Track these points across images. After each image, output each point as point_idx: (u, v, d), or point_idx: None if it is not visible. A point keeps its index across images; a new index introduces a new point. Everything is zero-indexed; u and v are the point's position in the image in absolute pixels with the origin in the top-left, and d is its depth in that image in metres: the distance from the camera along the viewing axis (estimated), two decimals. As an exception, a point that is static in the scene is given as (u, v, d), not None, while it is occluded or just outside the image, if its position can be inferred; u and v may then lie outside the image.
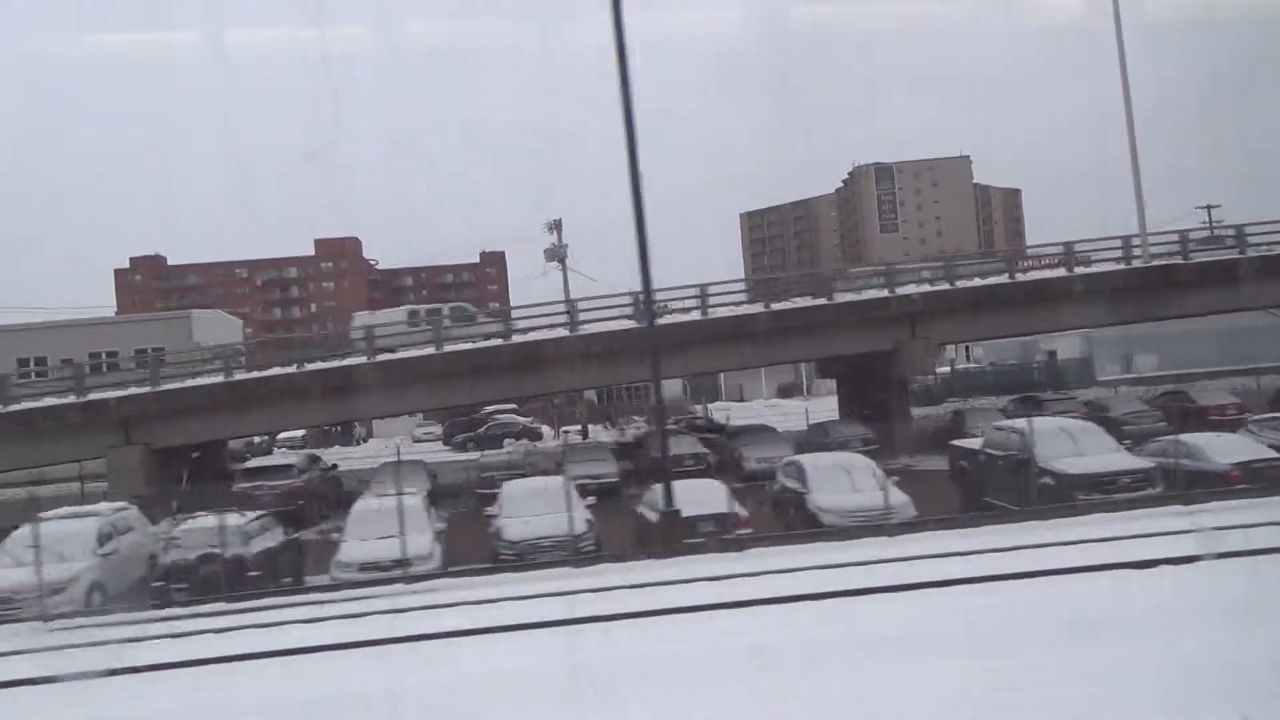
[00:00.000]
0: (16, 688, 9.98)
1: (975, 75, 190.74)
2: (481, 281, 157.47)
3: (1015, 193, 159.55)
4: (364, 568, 15.18)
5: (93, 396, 25.92)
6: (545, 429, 53.26)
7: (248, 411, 26.70)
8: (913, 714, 6.96)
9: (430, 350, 28.10)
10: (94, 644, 11.99)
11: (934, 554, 12.92)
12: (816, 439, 28.01)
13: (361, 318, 38.69)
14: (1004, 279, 28.37)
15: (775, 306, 31.47)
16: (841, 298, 30.44)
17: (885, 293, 28.80)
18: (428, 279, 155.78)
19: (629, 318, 31.27)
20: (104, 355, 47.73)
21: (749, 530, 16.33)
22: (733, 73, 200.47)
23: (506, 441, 48.89)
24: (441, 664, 9.59)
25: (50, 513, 17.84)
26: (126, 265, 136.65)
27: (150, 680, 9.97)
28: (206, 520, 16.08)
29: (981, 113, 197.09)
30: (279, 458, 28.22)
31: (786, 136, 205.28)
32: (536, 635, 10.47)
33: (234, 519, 16.33)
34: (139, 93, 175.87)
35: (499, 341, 29.78)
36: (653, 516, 16.70)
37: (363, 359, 27.09)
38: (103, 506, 19.00)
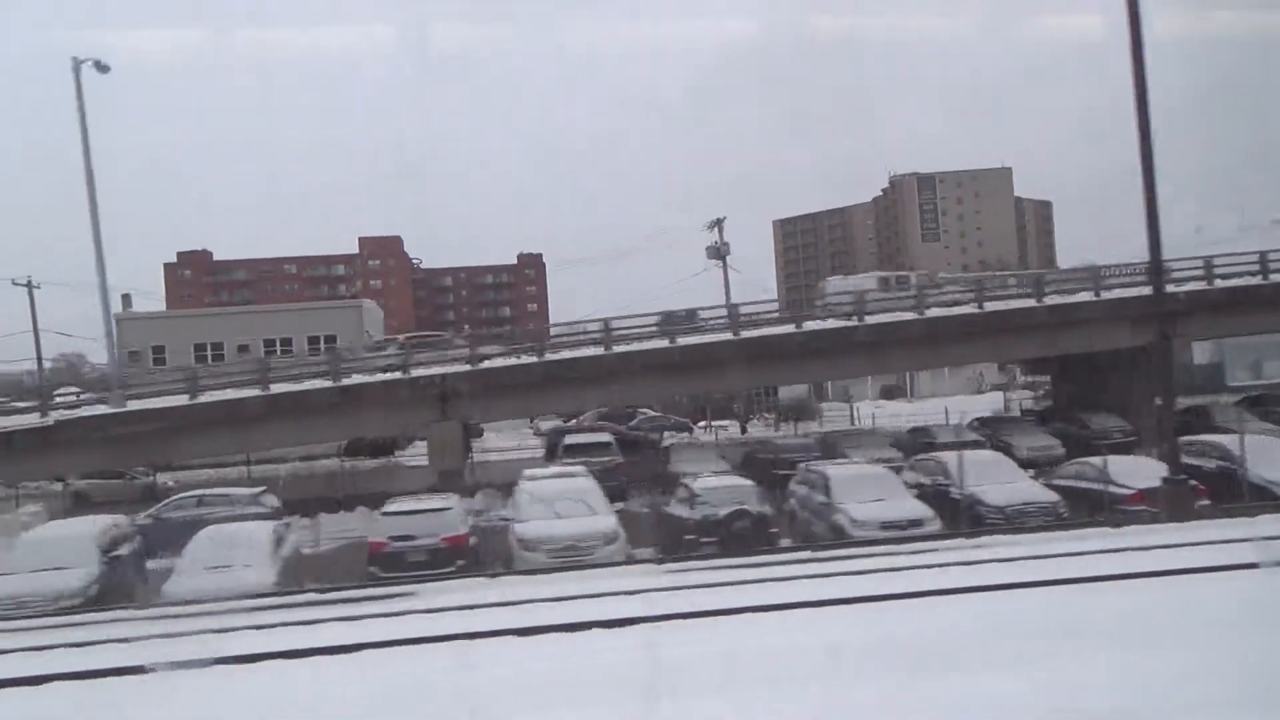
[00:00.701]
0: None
1: (993, 87, 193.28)
2: (520, 283, 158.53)
3: (1046, 204, 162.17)
4: (885, 526, 16.41)
5: (417, 373, 26.96)
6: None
7: (551, 392, 27.80)
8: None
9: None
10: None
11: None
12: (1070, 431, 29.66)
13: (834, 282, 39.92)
14: (1258, 279, 29.89)
15: (989, 307, 32.90)
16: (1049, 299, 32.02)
17: (1145, 291, 30.24)
18: (467, 279, 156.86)
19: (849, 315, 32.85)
20: (278, 341, 48.77)
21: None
22: (760, 81, 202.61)
23: (667, 434, 50.09)
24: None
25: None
26: (174, 260, 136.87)
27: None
28: (728, 479, 17.29)
29: (1002, 124, 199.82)
30: (596, 435, 29.26)
31: (816, 146, 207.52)
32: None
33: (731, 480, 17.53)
34: (170, 92, 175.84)
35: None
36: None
37: (664, 342, 28.22)
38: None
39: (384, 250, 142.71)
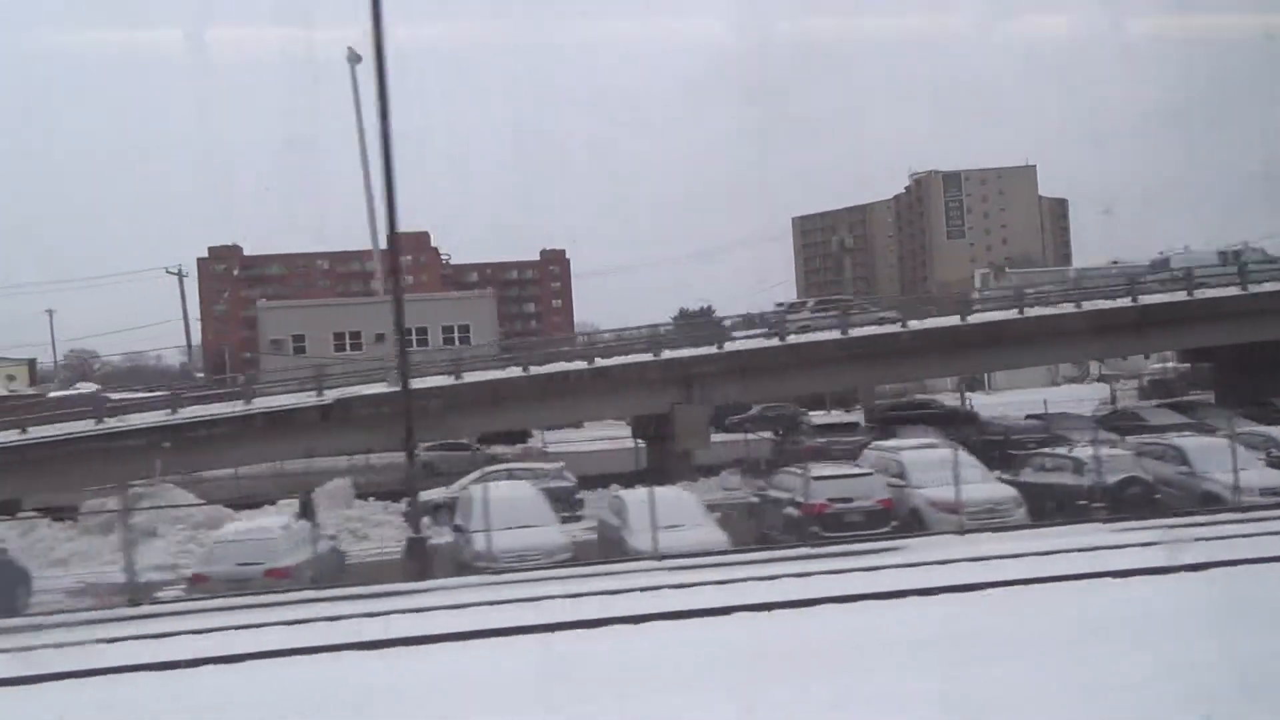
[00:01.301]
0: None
1: (992, 86, 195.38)
2: (545, 279, 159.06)
3: (1062, 202, 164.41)
4: (1263, 492, 17.62)
5: (666, 355, 27.82)
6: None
7: (791, 375, 28.74)
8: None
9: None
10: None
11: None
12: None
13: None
14: None
15: (1142, 300, 34.09)
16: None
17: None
18: (493, 275, 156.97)
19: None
20: (414, 330, 49.29)
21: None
22: (776, 79, 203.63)
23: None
24: None
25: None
26: (205, 254, 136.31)
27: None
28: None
29: (1005, 123, 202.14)
30: (842, 416, 30.28)
31: (831, 143, 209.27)
32: None
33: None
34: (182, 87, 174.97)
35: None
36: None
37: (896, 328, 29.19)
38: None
39: (413, 246, 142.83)
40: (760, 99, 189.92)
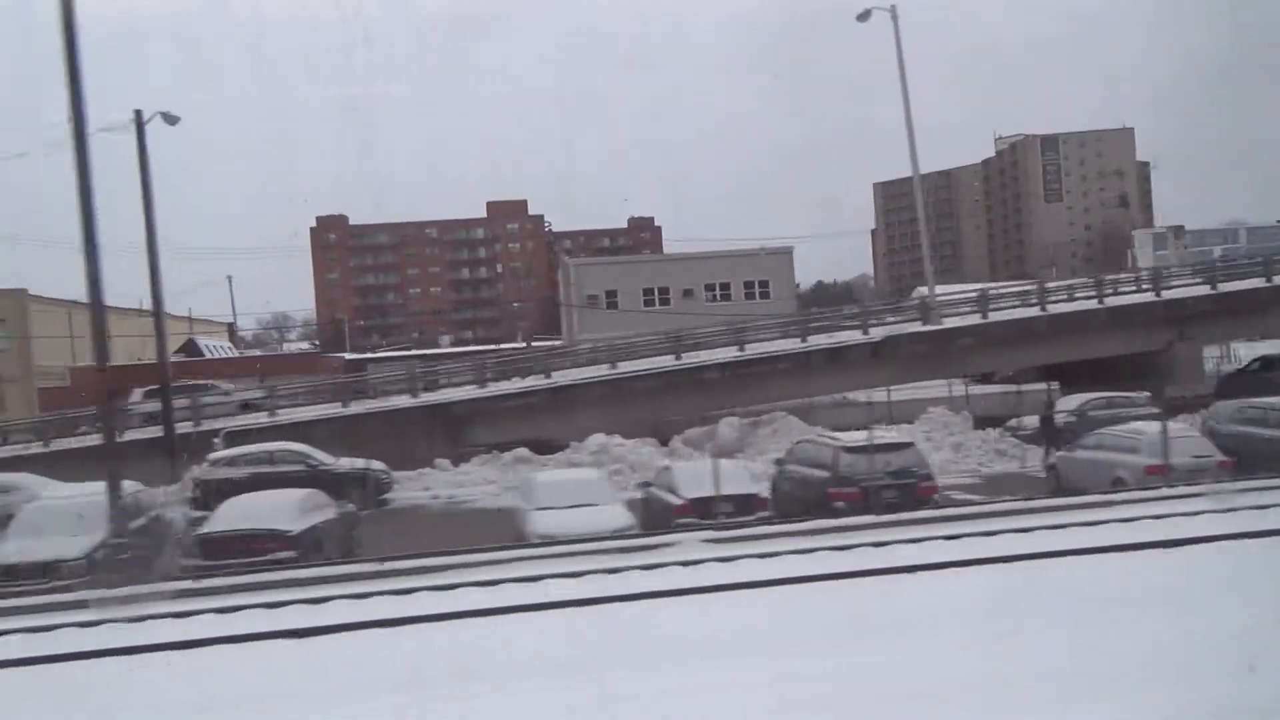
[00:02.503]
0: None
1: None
2: (637, 246, 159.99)
3: (1144, 165, 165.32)
4: None
5: (1165, 295, 29.42)
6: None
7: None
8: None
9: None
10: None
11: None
12: None
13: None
14: None
15: None
16: None
17: None
18: (586, 242, 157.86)
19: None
20: (717, 286, 51.01)
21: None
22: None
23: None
24: None
25: None
26: (314, 224, 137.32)
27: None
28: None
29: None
30: None
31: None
32: None
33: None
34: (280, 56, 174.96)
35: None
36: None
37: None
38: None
39: (513, 214, 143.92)
40: (826, 67, 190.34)
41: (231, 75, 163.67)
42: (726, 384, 27.08)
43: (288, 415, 26.11)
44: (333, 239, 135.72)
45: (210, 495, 20.09)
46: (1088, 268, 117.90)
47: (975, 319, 28.47)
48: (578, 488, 16.03)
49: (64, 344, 48.38)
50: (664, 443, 25.62)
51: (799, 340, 27.90)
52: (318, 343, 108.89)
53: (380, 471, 22.87)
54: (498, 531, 16.60)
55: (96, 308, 16.24)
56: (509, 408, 26.31)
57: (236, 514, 15.11)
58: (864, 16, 29.50)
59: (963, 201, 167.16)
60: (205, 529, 15.01)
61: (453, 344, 79.37)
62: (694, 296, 49.64)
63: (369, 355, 66.55)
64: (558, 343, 57.44)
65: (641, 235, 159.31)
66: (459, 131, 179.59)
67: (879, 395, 29.85)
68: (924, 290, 63.49)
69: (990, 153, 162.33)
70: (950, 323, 28.42)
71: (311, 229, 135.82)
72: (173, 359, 61.87)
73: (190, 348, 64.03)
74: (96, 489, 16.17)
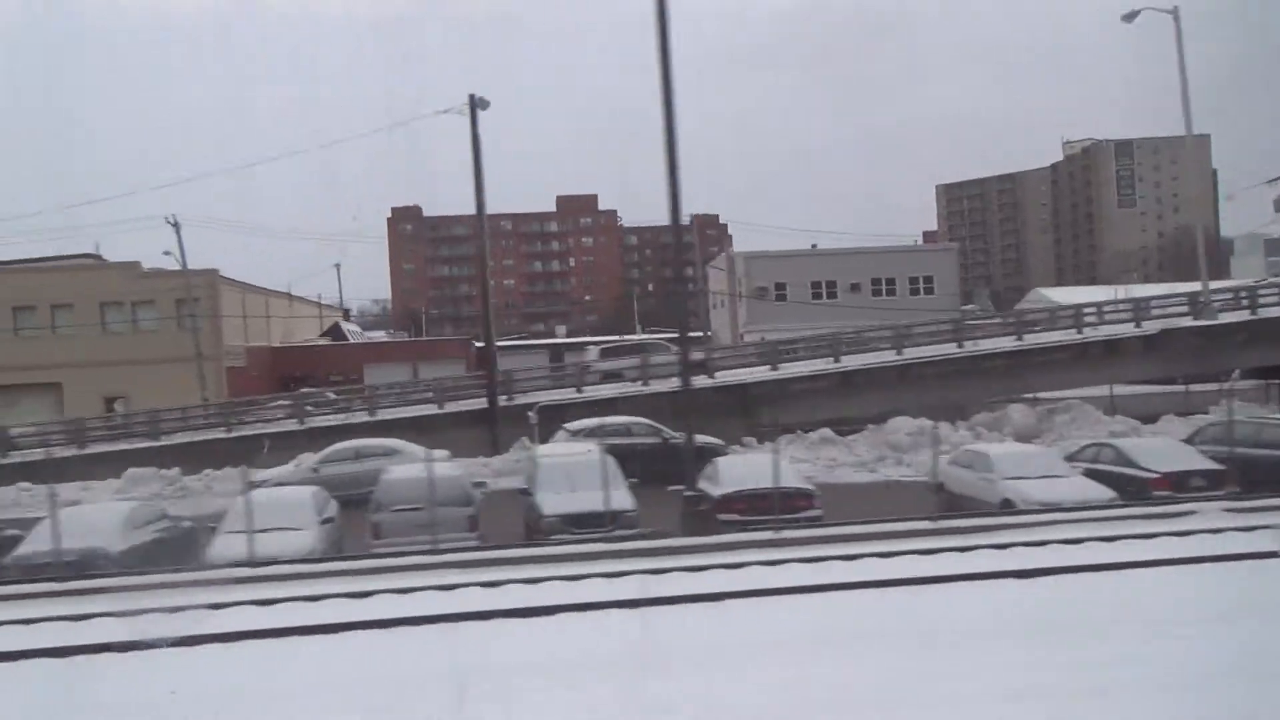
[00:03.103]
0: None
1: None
2: (704, 244, 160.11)
3: (1213, 172, 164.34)
4: None
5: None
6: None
7: None
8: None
9: None
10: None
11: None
12: None
13: None
14: None
15: None
16: None
17: None
18: (652, 238, 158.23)
19: None
20: (883, 281, 51.42)
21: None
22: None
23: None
24: None
25: None
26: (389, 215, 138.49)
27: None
28: None
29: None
30: None
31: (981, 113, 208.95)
32: None
33: None
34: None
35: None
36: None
37: None
38: None
39: (583, 208, 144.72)
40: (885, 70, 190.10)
41: (302, 68, 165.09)
42: (1003, 372, 27.61)
43: (593, 391, 26.81)
44: (409, 230, 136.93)
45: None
46: (1161, 275, 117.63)
47: (1245, 315, 28.86)
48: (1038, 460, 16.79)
49: (238, 324, 49.45)
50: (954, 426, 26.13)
51: (1074, 331, 28.41)
52: (395, 331, 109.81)
53: (721, 446, 23.49)
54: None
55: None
56: (800, 390, 26.93)
57: (739, 475, 15.76)
58: (1130, 17, 29.78)
59: (1029, 205, 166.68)
60: (723, 489, 15.61)
61: (568, 334, 79.92)
62: (860, 291, 50.10)
63: (510, 342, 67.30)
64: (702, 334, 58.08)
65: (708, 233, 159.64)
66: (520, 128, 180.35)
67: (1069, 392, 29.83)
68: (1044, 292, 63.52)
69: (1057, 157, 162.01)
70: (1225, 318, 28.79)
71: (388, 219, 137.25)
72: (320, 342, 62.87)
73: (335, 332, 65.07)
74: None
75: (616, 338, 50.22)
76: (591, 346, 38.66)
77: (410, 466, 16.49)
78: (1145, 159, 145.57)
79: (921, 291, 50.25)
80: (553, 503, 15.21)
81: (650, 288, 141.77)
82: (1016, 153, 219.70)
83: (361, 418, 27.90)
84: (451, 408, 27.28)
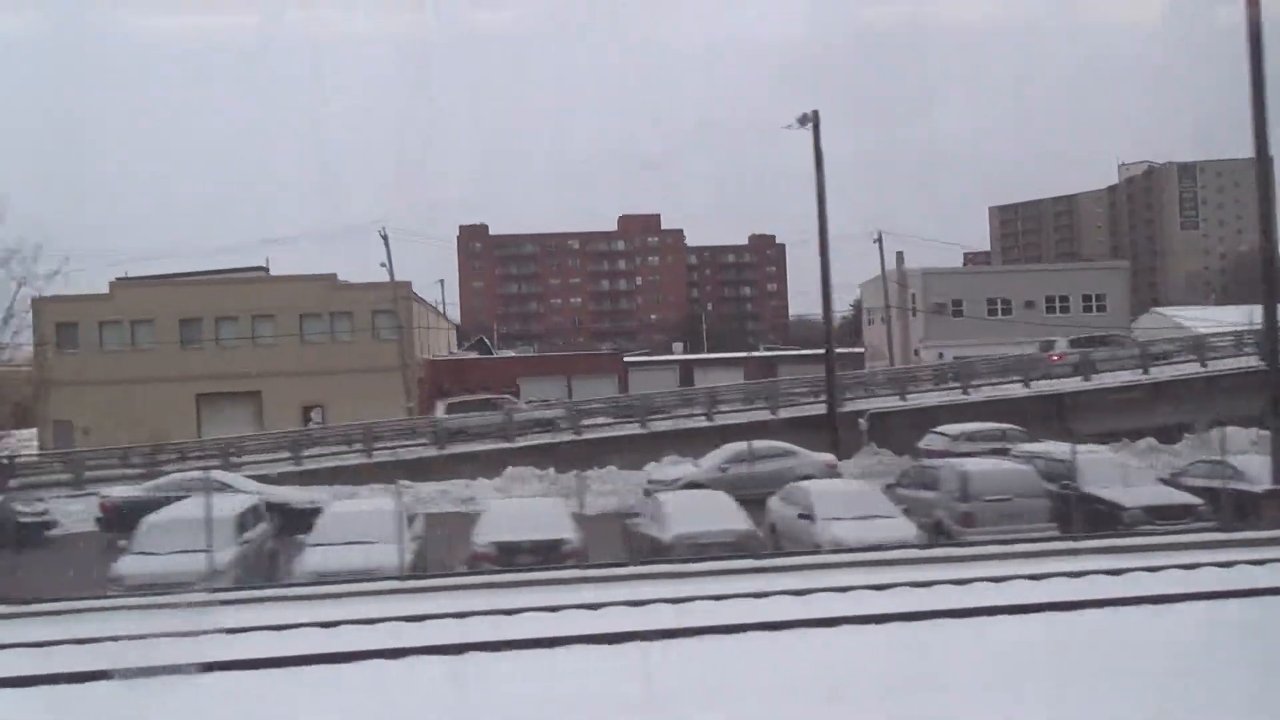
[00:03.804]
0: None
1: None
2: (762, 264, 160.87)
3: None
4: None
5: None
6: None
7: None
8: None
9: None
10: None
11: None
12: None
13: None
14: None
15: None
16: None
17: None
18: (711, 258, 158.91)
19: None
20: (1056, 299, 51.73)
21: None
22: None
23: None
24: None
25: None
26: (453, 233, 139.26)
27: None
28: None
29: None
30: None
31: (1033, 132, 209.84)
32: None
33: None
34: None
35: None
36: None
37: None
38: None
39: (646, 228, 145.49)
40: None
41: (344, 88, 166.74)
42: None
43: (915, 399, 27.17)
44: (478, 248, 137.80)
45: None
46: (1225, 298, 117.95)
47: None
48: None
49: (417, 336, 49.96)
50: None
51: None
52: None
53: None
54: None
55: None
56: (1111, 400, 27.24)
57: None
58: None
59: (1084, 227, 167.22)
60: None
61: (684, 350, 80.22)
62: (1035, 308, 50.40)
63: (641, 359, 67.65)
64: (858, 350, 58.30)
65: (766, 253, 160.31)
66: (580, 148, 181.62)
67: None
68: (1164, 312, 63.49)
69: (1112, 179, 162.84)
70: None
71: (457, 237, 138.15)
72: (468, 355, 63.28)
73: (480, 346, 65.58)
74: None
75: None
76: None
77: (993, 460, 16.92)
78: (1209, 181, 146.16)
79: (1094, 309, 50.58)
80: None
81: (710, 306, 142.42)
82: (1047, 177, 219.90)
83: (700, 422, 28.44)
84: (785, 413, 27.66)
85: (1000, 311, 50.18)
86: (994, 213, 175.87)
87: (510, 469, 25.82)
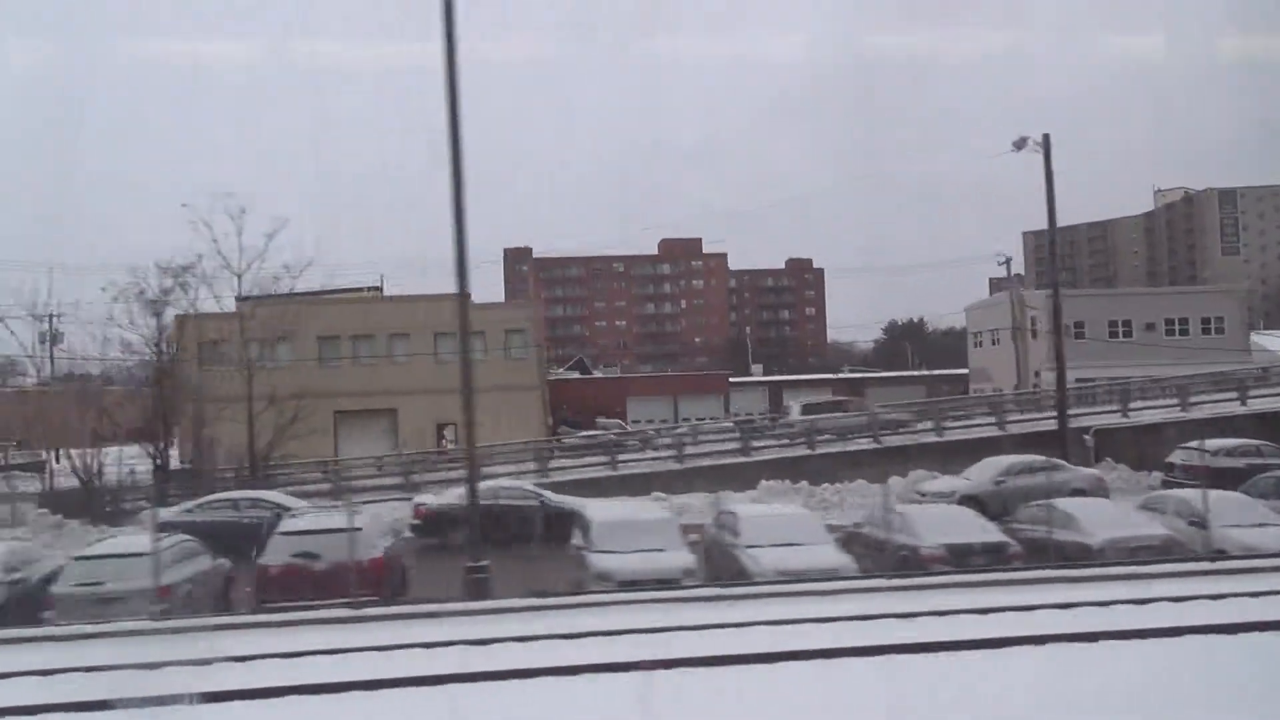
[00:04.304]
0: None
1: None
2: (800, 288, 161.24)
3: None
4: None
5: None
6: None
7: None
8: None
9: None
10: None
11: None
12: None
13: None
14: None
15: None
16: None
17: None
18: (750, 282, 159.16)
19: None
20: (1176, 321, 51.84)
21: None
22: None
23: None
24: None
25: None
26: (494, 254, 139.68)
27: None
28: None
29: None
30: None
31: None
32: None
33: None
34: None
35: None
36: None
37: None
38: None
39: (687, 251, 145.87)
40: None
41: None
42: None
43: (1136, 416, 27.21)
44: (524, 270, 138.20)
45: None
46: (1268, 322, 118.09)
47: None
48: None
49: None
50: None
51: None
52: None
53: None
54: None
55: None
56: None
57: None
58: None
59: (1121, 253, 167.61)
60: None
61: (763, 373, 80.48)
62: (1155, 330, 50.50)
63: (741, 379, 67.88)
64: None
65: (805, 276, 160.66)
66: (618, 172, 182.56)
67: None
68: (1258, 338, 63.63)
69: (1147, 205, 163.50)
70: None
71: (502, 260, 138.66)
72: (572, 375, 63.39)
73: (580, 366, 65.69)
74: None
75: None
76: None
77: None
78: (1249, 207, 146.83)
79: (1212, 331, 50.64)
80: None
81: (748, 330, 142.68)
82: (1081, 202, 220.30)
83: (930, 438, 28.58)
84: (1012, 429, 27.76)
85: (1121, 334, 50.25)
86: (1028, 238, 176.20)
87: (764, 482, 25.84)
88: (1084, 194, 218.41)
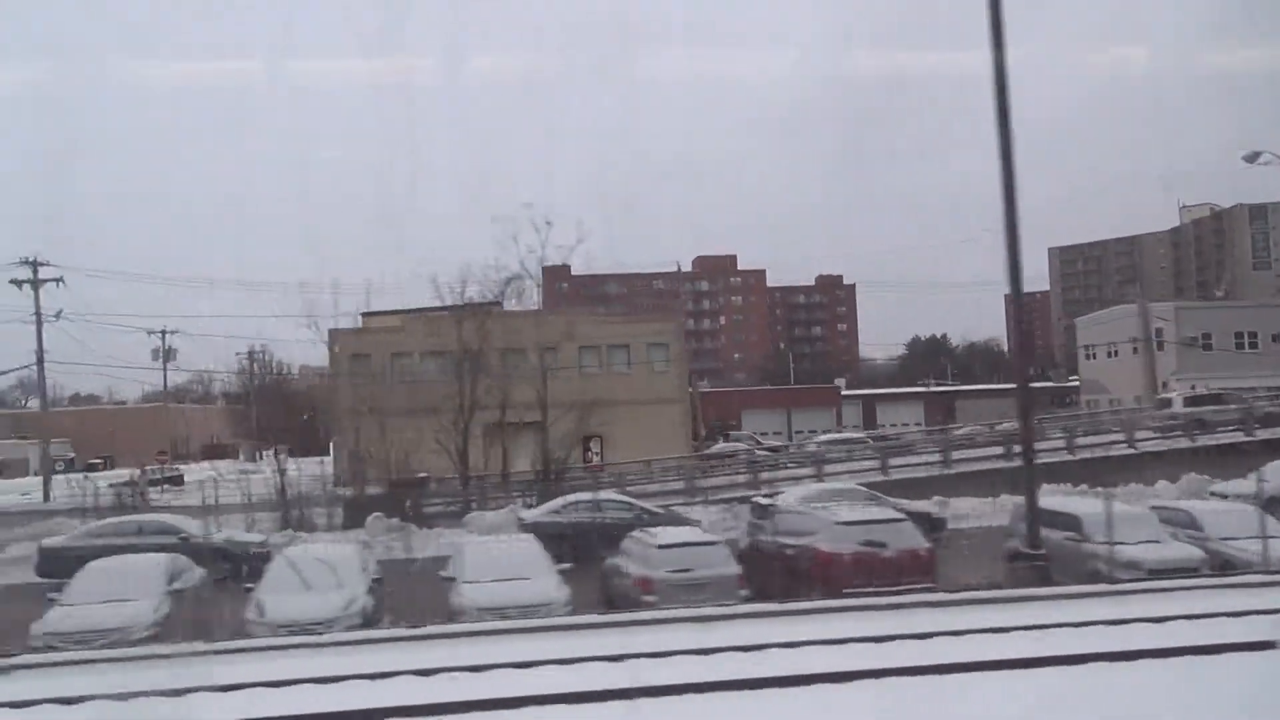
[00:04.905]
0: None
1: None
2: (832, 304, 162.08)
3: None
4: None
5: None
6: None
7: None
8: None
9: None
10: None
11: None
12: None
13: None
14: None
15: None
16: None
17: None
18: (782, 299, 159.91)
19: None
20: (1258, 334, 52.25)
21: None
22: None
23: None
24: None
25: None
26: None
27: None
28: None
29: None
30: None
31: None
32: None
33: None
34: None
35: None
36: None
37: None
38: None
39: (718, 268, 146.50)
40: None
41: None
42: None
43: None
44: (564, 288, 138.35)
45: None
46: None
47: None
48: None
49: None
50: None
51: None
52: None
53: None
54: None
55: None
56: None
57: None
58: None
59: (1148, 268, 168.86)
60: None
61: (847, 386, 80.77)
62: (1280, 342, 50.94)
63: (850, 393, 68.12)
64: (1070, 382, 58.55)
65: (836, 292, 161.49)
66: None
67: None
68: None
69: (1173, 221, 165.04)
70: None
71: (541, 278, 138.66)
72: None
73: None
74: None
75: None
76: None
77: None
78: (1278, 222, 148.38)
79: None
80: None
81: (782, 346, 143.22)
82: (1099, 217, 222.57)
83: (1122, 450, 28.93)
84: (1262, 435, 28.11)
85: (1248, 345, 50.71)
86: (1054, 253, 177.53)
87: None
88: (1109, 210, 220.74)
